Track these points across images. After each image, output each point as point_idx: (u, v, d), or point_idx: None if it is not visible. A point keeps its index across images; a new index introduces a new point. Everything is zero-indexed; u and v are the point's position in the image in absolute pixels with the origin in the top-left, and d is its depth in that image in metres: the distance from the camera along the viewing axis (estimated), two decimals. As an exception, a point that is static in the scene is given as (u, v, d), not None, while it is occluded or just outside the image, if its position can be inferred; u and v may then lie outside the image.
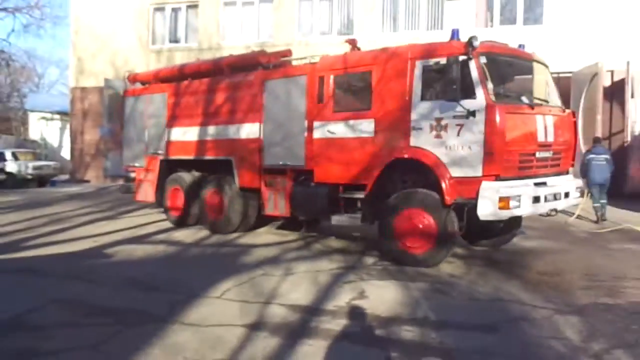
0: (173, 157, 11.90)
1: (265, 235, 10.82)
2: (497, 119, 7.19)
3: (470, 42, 7.32)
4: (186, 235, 10.75)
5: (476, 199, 7.31)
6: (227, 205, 10.64)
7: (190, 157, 11.54)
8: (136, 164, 12.79)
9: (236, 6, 21.65)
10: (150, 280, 7.23)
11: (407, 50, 8.14)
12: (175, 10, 22.73)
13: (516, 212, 7.41)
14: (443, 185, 7.51)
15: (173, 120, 11.78)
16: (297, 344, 4.90)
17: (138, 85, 13.39)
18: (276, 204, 9.86)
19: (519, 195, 7.31)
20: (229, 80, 10.78)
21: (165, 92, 12.05)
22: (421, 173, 7.93)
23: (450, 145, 7.53)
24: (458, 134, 7.45)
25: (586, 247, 9.63)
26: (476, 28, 17.23)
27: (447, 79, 7.45)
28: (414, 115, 7.87)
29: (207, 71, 11.55)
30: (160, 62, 21.15)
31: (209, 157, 11.17)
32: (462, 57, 7.34)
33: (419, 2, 19.53)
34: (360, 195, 8.53)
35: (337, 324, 5.45)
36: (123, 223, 12.14)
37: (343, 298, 6.35)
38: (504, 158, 7.31)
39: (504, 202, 7.19)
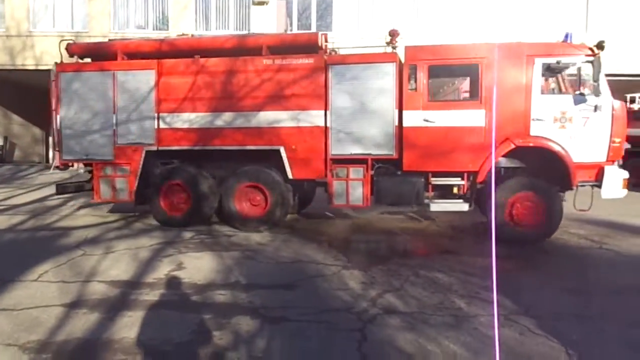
0: (168, 147, 9.01)
1: (84, 217, 9.95)
2: (621, 113, 7.72)
3: (601, 46, 7.54)
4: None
5: (600, 181, 7.72)
6: (272, 199, 8.64)
7: (202, 147, 8.89)
8: (85, 158, 9.31)
9: (48, -6, 19.18)
10: (-44, 268, 6.25)
11: (523, 46, 8.04)
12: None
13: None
14: (570, 170, 7.67)
15: (169, 103, 8.95)
16: (116, 316, 4.66)
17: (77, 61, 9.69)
18: (349, 195, 8.44)
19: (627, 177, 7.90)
20: (274, 62, 8.59)
21: (151, 69, 8.98)
22: (534, 160, 7.96)
23: (575, 135, 7.68)
24: (584, 125, 7.66)
25: (365, 214, 10.36)
26: (277, 31, 17.56)
27: (575, 76, 7.90)
28: (535, 108, 7.79)
29: (226, 49, 8.93)
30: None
31: (237, 146, 8.74)
32: (589, 58, 7.60)
33: (228, 4, 19.31)
34: (459, 182, 8.17)
35: (156, 295, 5.30)
36: None
37: (162, 271, 6.17)
38: (622, 146, 7.80)
39: (625, 182, 7.79)
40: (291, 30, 19.18)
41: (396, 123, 8.15)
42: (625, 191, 7.86)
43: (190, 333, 4.33)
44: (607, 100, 7.68)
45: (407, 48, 8.32)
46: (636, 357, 3.97)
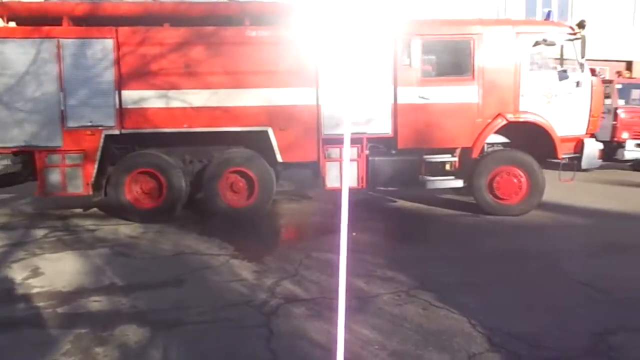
0: (135, 130, 7.68)
1: None
2: (600, 88, 8.18)
3: (582, 25, 7.86)
4: None
5: (580, 152, 8.11)
6: (260, 185, 7.80)
7: (178, 129, 7.69)
8: (24, 145, 7.59)
9: None
10: None
11: (513, 24, 8.23)
12: None
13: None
14: (557, 143, 7.94)
15: (134, 78, 7.62)
16: (-40, 344, 3.76)
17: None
18: (342, 177, 7.69)
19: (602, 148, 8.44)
20: (257, 34, 7.59)
21: (108, 37, 7.52)
22: (519, 135, 8.13)
23: (560, 109, 7.96)
24: (567, 101, 7.97)
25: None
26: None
27: (559, 54, 8.36)
28: (524, 84, 7.94)
29: (201, 18, 7.72)
30: None
31: (219, 128, 7.70)
32: (571, 37, 7.96)
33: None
34: (451, 159, 8.14)
35: (9, 311, 4.40)
36: None
37: (13, 280, 5.18)
38: (599, 120, 8.31)
39: (601, 153, 8.29)
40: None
41: (392, 100, 7.89)
42: (601, 161, 8.51)
43: (63, 355, 3.62)
44: (587, 77, 8.10)
45: (399, 22, 8.12)
46: (528, 316, 4.24)
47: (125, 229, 7.29)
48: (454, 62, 8.15)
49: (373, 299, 4.62)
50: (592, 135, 8.39)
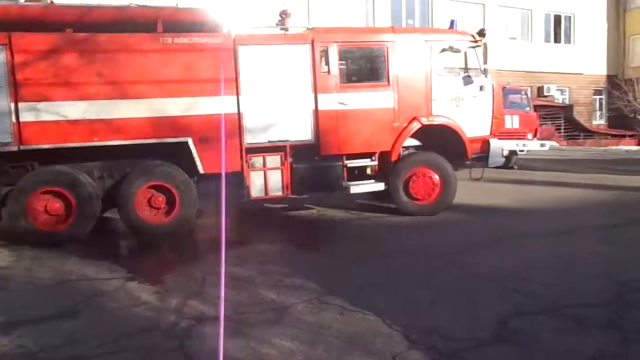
0: (35, 146, 6.87)
1: None
2: (499, 92, 9.00)
3: (482, 33, 8.56)
4: None
5: (487, 152, 8.64)
6: (182, 199, 7.35)
7: (86, 142, 7.01)
8: None
9: None
10: None
11: (422, 32, 9.03)
12: None
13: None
14: (466, 144, 8.44)
15: (33, 89, 6.81)
16: None
17: None
18: (267, 186, 7.82)
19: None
20: (173, 42, 7.21)
21: (1, 43, 6.66)
22: (431, 138, 8.57)
23: (467, 112, 8.51)
24: (473, 104, 8.54)
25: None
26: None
27: (463, 60, 9.03)
28: (435, 89, 8.39)
29: (107, 23, 7.11)
30: None
31: (133, 140, 7.14)
32: (474, 44, 8.57)
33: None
34: (371, 163, 8.41)
35: None
36: None
37: None
38: (501, 121, 9.08)
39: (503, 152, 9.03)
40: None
41: (313, 107, 7.91)
42: (504, 159, 9.29)
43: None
44: (489, 81, 8.68)
45: (316, 30, 8.35)
46: (434, 311, 4.48)
47: (-8, 259, 6.41)
48: (370, 69, 8.44)
49: (287, 310, 4.55)
50: (495, 135, 9.00)
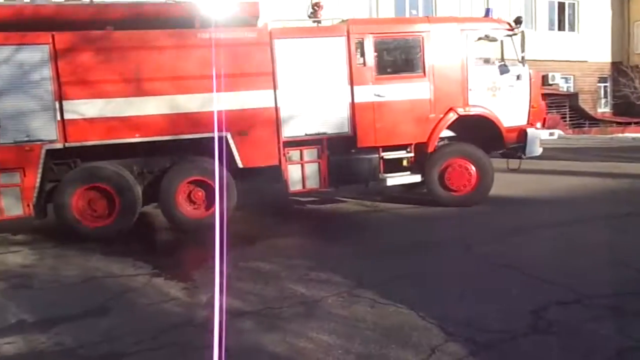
0: (80, 143, 6.99)
1: None
2: (537, 81, 8.67)
3: (519, 21, 8.38)
4: None
5: (524, 142, 8.43)
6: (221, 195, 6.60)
7: (126, 139, 7.09)
8: None
9: None
10: None
11: (458, 21, 8.69)
12: None
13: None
14: (503, 134, 8.38)
15: (76, 88, 6.91)
16: None
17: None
18: (305, 179, 7.89)
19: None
20: (210, 37, 7.08)
21: (44, 43, 6.77)
22: (465, 128, 8.43)
23: (503, 102, 8.39)
24: (510, 93, 8.43)
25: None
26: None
27: (500, 49, 8.84)
28: (471, 79, 8.29)
29: (145, 20, 7.09)
30: None
31: (173, 136, 7.19)
32: (510, 33, 8.43)
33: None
34: (407, 154, 8.33)
35: None
36: None
37: None
38: (539, 110, 8.74)
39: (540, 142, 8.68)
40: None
41: (349, 99, 7.91)
42: (541, 149, 8.83)
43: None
44: (526, 70, 8.51)
45: (351, 21, 8.29)
46: (466, 302, 4.49)
47: (14, 258, 6.40)
48: (406, 60, 8.35)
49: (318, 303, 4.57)
50: (532, 125, 8.83)
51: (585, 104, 27.28)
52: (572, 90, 27.47)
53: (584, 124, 25.96)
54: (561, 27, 27.55)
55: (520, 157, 8.81)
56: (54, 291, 5.24)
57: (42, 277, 5.67)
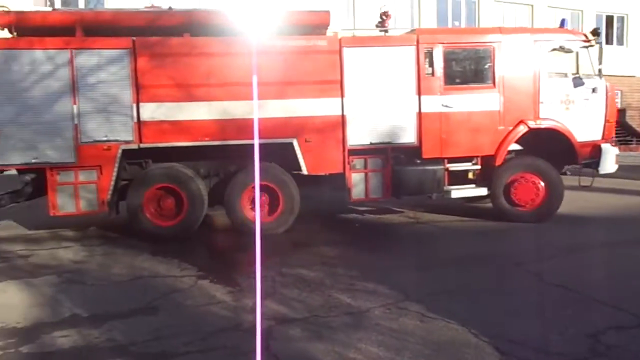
0: (154, 144, 7.29)
1: None
2: (613, 94, 8.38)
3: (596, 32, 8.21)
4: None
5: (597, 158, 8.12)
6: (286, 198, 7.54)
7: (200, 142, 7.36)
8: (34, 162, 7.00)
9: None
10: None
11: (531, 32, 8.57)
12: None
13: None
14: (577, 149, 8.06)
15: (152, 90, 7.20)
16: None
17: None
18: (368, 188, 7.83)
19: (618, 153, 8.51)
20: (281, 44, 7.37)
21: (125, 47, 7.13)
22: (534, 142, 8.17)
23: (578, 116, 8.11)
24: (584, 107, 8.13)
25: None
26: (35, 7, 14.75)
27: (575, 61, 8.42)
28: (543, 91, 8.09)
29: (220, 27, 7.36)
30: None
31: (241, 141, 7.14)
32: (587, 44, 8.21)
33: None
34: (473, 167, 8.20)
35: (-39, 356, 3.78)
36: None
37: (-50, 318, 4.47)
38: (614, 125, 8.51)
39: (616, 158, 8.36)
40: (52, 7, 16.35)
41: (416, 109, 7.86)
42: (617, 166, 8.47)
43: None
44: (602, 83, 8.28)
45: (419, 31, 8.34)
46: (520, 322, 4.36)
47: (66, 254, 6.61)
48: (475, 70, 8.22)
49: (365, 314, 4.51)
50: (607, 140, 8.50)
51: (632, 120, 26.37)
52: (619, 105, 26.65)
53: (631, 141, 25.08)
54: (609, 41, 26.75)
55: (593, 174, 8.44)
56: (104, 288, 5.36)
57: (92, 273, 5.82)
